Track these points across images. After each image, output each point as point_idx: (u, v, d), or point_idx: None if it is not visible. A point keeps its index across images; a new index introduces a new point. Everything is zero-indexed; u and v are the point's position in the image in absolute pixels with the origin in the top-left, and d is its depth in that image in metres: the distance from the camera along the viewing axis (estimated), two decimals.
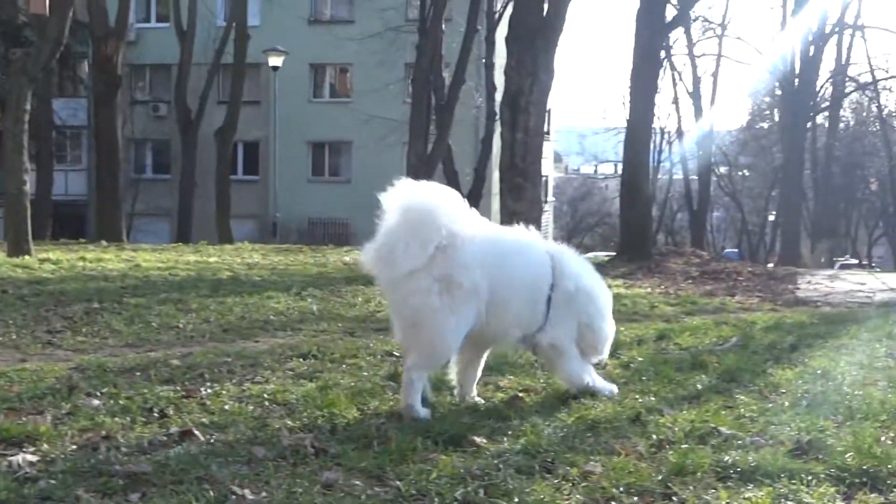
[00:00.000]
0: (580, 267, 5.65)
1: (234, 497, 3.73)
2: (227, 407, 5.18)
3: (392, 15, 36.97)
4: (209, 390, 5.61)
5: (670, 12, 25.44)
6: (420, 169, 29.96)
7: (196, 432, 4.61)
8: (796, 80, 36.15)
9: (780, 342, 7.84)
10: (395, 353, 6.88)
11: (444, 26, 31.01)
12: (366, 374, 6.21)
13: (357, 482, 3.97)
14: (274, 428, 4.79)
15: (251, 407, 5.22)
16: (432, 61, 30.37)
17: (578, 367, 5.62)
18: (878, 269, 38.58)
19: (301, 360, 6.65)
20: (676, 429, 4.85)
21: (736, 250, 55.37)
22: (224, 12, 40.11)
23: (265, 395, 5.48)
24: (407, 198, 5.18)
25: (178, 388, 5.64)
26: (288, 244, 23.61)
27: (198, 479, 3.90)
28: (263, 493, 3.79)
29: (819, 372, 6.46)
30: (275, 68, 34.14)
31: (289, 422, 4.92)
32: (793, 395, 5.78)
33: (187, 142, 33.57)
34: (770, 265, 23.91)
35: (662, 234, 54.15)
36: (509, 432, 4.72)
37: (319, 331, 8.42)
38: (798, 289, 13.89)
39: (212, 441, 4.53)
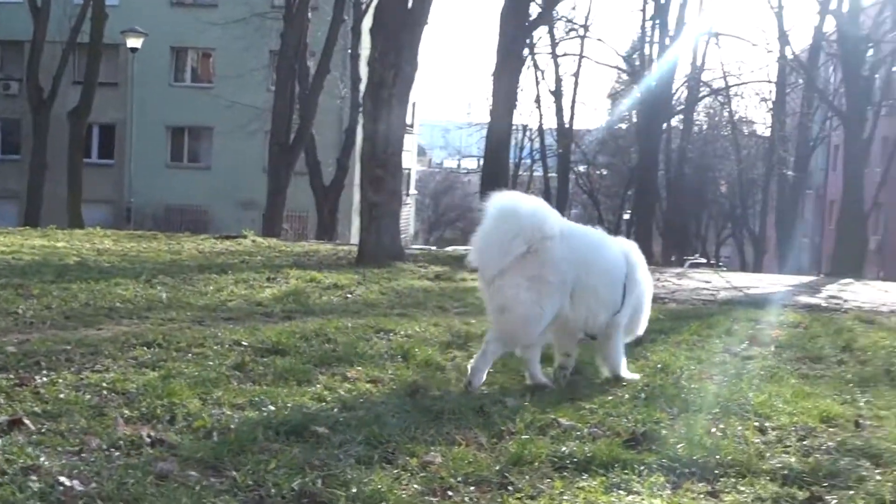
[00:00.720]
0: (640, 260, 6.41)
1: (61, 488, 3.61)
2: (62, 396, 5.01)
3: (257, 0, 36.44)
4: (44, 378, 5.41)
5: (535, 11, 25.82)
6: (282, 158, 29.72)
7: (26, 421, 4.45)
8: (653, 84, 37.10)
9: None
10: (243, 342, 6.78)
11: (309, 14, 30.75)
12: (211, 363, 6.08)
13: (192, 472, 3.90)
14: (110, 417, 4.66)
15: (88, 396, 5.05)
16: (297, 50, 30.08)
17: (621, 351, 6.29)
18: (725, 268, 39.99)
19: (145, 348, 6.47)
20: (518, 420, 4.92)
21: None
22: None
23: (104, 384, 5.31)
24: (501, 205, 5.82)
25: (12, 375, 5.42)
26: (143, 231, 22.97)
27: (24, 469, 3.76)
28: (93, 485, 3.68)
29: (659, 366, 6.65)
30: (133, 50, 33.24)
31: (126, 411, 4.79)
32: (633, 388, 5.93)
33: (39, 122, 32.29)
34: None
35: None
36: (353, 423, 4.71)
37: (167, 319, 8.20)
38: None
39: (42, 430, 4.38)
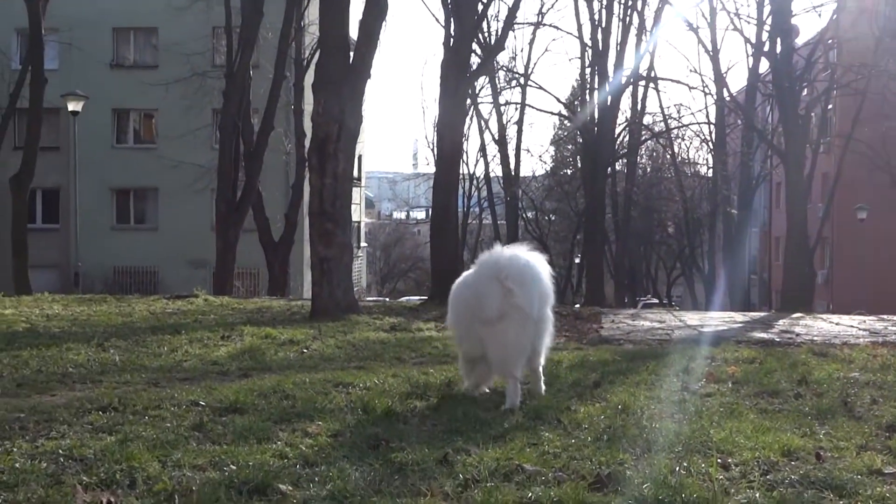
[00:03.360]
0: None
1: None
2: (17, 465, 4.89)
3: (198, 60, 36.33)
4: None
5: (475, 61, 26.08)
6: (229, 216, 29.57)
7: None
8: (595, 129, 37.51)
9: (584, 380, 8.02)
10: (200, 402, 6.70)
11: (251, 73, 30.78)
12: (169, 425, 6.00)
13: None
14: (68, 485, 4.56)
15: (44, 464, 4.94)
16: (240, 108, 30.05)
17: None
18: (677, 308, 40.30)
19: (101, 413, 6.37)
20: (482, 468, 4.88)
21: None
22: (20, 55, 38.58)
23: (60, 451, 5.20)
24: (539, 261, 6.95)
25: None
26: (92, 294, 22.64)
27: None
28: None
29: (620, 407, 6.65)
30: (74, 113, 32.93)
31: (85, 478, 4.69)
32: (595, 430, 5.92)
33: None
34: (576, 305, 24.55)
35: None
36: (316, 479, 4.66)
37: (122, 382, 8.09)
38: (602, 328, 14.21)
39: None
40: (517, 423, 6.17)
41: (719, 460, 5.11)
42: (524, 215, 52.55)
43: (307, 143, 21.90)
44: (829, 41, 37.66)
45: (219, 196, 30.44)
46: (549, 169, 57.36)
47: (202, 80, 34.90)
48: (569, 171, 55.17)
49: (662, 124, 47.80)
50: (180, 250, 42.26)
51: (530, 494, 4.40)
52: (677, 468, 4.90)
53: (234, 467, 4.85)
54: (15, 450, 5.26)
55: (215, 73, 34.97)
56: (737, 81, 51.70)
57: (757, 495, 4.49)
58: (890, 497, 4.49)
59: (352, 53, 15.79)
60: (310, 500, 4.33)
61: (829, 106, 43.57)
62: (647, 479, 4.64)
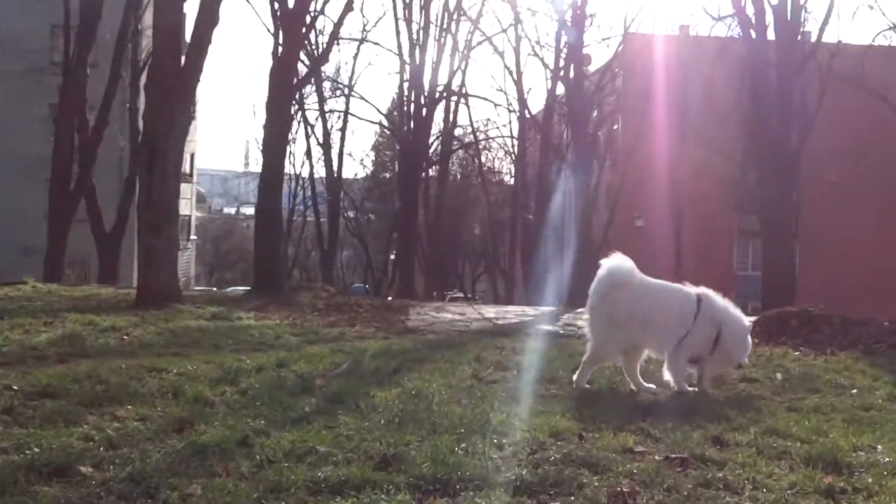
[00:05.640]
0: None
1: None
2: None
3: (36, 57, 34.59)
4: None
5: (302, 70, 25.77)
6: (62, 205, 28.26)
7: None
8: (411, 138, 37.76)
9: (385, 367, 8.01)
10: (14, 386, 6.33)
11: (88, 70, 29.50)
12: None
13: None
14: None
15: None
16: (76, 103, 28.77)
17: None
18: (480, 302, 40.96)
19: None
20: (278, 449, 4.80)
21: (362, 285, 56.64)
22: None
23: None
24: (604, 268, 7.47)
25: None
26: None
27: None
28: None
29: (413, 392, 6.66)
30: None
31: None
32: (388, 413, 5.91)
33: None
34: (389, 298, 24.60)
35: (298, 270, 54.47)
36: (117, 461, 4.47)
37: None
38: (409, 319, 14.23)
39: None
40: (318, 406, 6.10)
41: (495, 441, 5.18)
42: (346, 214, 52.32)
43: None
44: (616, 70, 39.10)
45: (52, 186, 29.08)
46: (369, 172, 57.48)
47: (40, 75, 33.26)
48: (387, 175, 55.37)
49: (472, 136, 48.67)
50: (10, 237, 39.94)
51: (320, 474, 4.35)
52: (457, 448, 4.94)
53: (37, 450, 4.60)
54: None
55: (53, 70, 33.34)
56: (537, 101, 52.85)
57: (524, 472, 4.57)
58: (637, 472, 4.66)
59: (183, 57, 15.33)
60: (109, 480, 4.15)
61: (615, 126, 45.22)
62: (428, 458, 4.66)
